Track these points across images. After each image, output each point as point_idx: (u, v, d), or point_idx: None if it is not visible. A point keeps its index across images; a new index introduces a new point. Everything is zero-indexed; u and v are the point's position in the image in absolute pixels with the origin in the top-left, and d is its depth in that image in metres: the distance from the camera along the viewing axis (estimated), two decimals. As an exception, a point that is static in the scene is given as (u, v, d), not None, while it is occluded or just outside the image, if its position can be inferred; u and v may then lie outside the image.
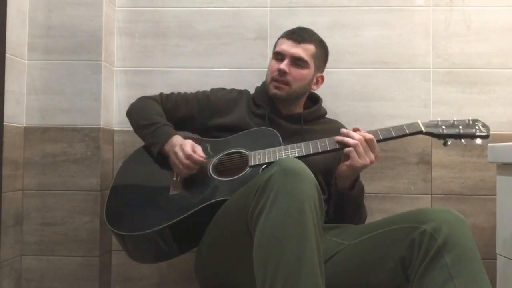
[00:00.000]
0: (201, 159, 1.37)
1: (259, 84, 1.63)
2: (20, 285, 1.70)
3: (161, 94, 1.62)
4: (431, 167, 1.79)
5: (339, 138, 1.32)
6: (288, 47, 1.50)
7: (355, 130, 1.33)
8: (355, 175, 1.36)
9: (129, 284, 1.81)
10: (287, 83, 1.50)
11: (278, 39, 1.56)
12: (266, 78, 1.55)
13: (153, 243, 1.33)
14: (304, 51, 1.50)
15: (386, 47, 1.81)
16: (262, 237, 1.02)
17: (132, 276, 1.81)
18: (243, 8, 1.84)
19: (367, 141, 1.30)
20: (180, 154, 1.37)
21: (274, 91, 1.51)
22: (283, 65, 1.48)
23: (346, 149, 1.30)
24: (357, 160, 1.29)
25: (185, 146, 1.38)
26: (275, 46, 1.56)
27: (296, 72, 1.50)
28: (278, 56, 1.51)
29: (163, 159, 1.46)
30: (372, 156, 1.30)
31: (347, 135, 1.31)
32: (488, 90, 1.79)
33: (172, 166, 1.42)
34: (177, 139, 1.44)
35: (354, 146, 1.29)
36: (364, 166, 1.30)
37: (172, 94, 1.62)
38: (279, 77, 1.49)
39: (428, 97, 1.80)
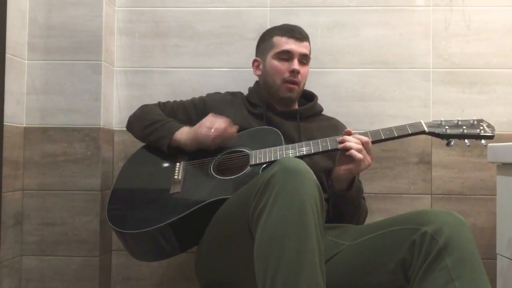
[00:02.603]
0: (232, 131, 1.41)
1: (256, 85, 1.64)
2: (20, 285, 1.69)
3: (158, 103, 1.64)
4: (431, 167, 1.79)
5: (341, 145, 1.30)
6: (295, 46, 1.49)
7: (348, 133, 1.33)
8: (352, 177, 1.36)
9: (129, 284, 1.81)
10: (298, 83, 1.51)
11: (273, 37, 1.52)
12: (270, 80, 1.52)
13: (154, 241, 1.33)
14: (306, 48, 1.52)
15: (386, 47, 1.81)
16: (263, 237, 1.02)
17: (132, 276, 1.81)
18: (243, 8, 1.84)
19: (364, 145, 1.30)
20: (205, 127, 1.40)
21: (289, 94, 1.51)
22: (296, 66, 1.48)
23: (352, 153, 1.28)
24: (359, 165, 1.29)
25: (208, 120, 1.43)
26: (272, 45, 1.52)
27: (303, 70, 1.51)
28: (284, 55, 1.49)
29: (164, 158, 1.47)
30: (369, 159, 1.31)
31: (345, 141, 1.30)
32: (488, 90, 1.79)
33: (199, 140, 1.42)
34: (186, 127, 1.45)
35: (359, 152, 1.28)
36: (362, 170, 1.31)
37: (168, 102, 1.64)
38: (293, 77, 1.49)
39: (428, 97, 1.80)
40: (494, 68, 1.79)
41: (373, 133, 1.33)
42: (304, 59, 1.52)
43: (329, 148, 1.33)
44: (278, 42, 1.51)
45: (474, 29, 1.80)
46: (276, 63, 1.50)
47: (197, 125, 1.44)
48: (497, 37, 1.79)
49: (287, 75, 1.49)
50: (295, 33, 1.51)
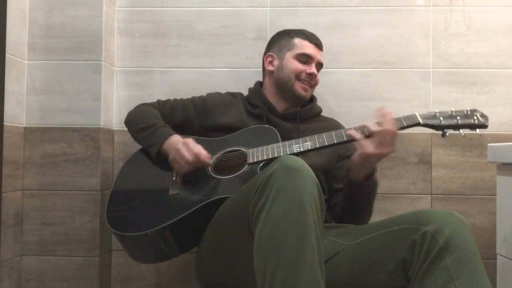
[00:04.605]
0: (208, 160, 1.38)
1: (257, 84, 1.64)
2: (20, 285, 1.69)
3: (158, 101, 1.63)
4: (431, 167, 1.79)
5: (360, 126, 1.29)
6: (315, 52, 1.55)
7: (383, 113, 1.29)
8: (368, 166, 1.31)
9: (129, 284, 1.81)
10: (313, 86, 1.57)
11: (294, 38, 1.55)
12: (285, 76, 1.53)
13: (153, 243, 1.33)
14: (322, 56, 1.59)
15: (386, 47, 1.81)
16: (262, 235, 1.02)
17: (132, 276, 1.81)
18: (243, 8, 1.84)
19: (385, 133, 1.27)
20: (184, 151, 1.37)
21: (303, 93, 1.54)
22: (314, 70, 1.54)
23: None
24: (369, 149, 1.25)
25: (190, 143, 1.39)
26: (293, 45, 1.53)
27: (318, 76, 1.57)
28: (304, 58, 1.53)
29: (162, 160, 1.47)
30: (389, 148, 1.27)
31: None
32: (488, 90, 1.79)
33: (172, 163, 1.41)
34: (176, 137, 1.44)
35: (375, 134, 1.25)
36: (378, 156, 1.27)
37: (168, 100, 1.63)
38: (310, 80, 1.54)
39: (428, 97, 1.80)
40: (494, 68, 1.79)
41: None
42: (319, 66, 1.57)
43: (326, 143, 1.32)
44: (301, 44, 1.54)
45: (474, 29, 1.80)
46: (296, 62, 1.53)
47: (181, 143, 1.40)
48: (497, 37, 1.79)
49: (303, 75, 1.53)
50: (316, 40, 1.57)
